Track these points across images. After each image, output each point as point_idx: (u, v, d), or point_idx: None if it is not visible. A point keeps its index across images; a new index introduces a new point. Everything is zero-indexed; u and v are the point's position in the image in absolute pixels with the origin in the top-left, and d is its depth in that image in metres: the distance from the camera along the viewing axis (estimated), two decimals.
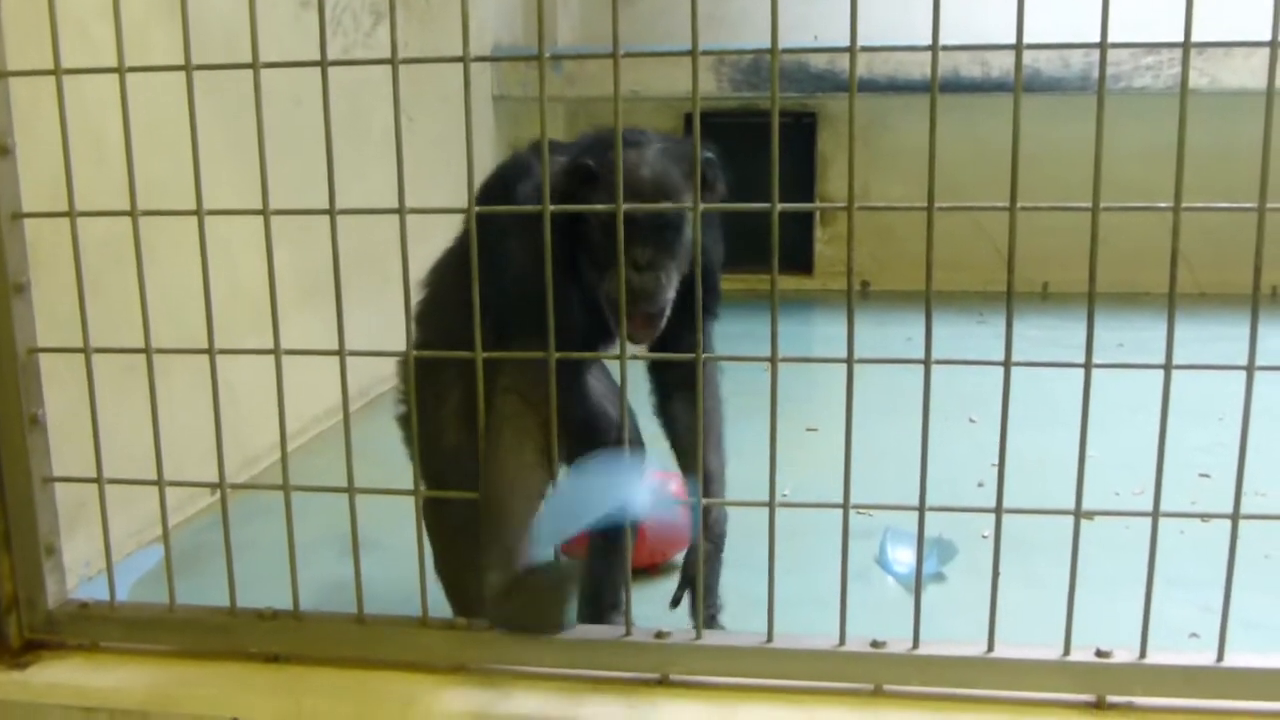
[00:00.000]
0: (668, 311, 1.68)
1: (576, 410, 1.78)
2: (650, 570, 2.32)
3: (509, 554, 1.56)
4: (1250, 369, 1.38)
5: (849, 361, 1.42)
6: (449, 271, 1.82)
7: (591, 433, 1.88)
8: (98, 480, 1.59)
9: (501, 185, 1.69)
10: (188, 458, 1.73)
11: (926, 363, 1.41)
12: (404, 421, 1.79)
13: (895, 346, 4.35)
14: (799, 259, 6.00)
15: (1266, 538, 2.36)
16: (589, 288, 1.70)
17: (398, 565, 1.66)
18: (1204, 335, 4.00)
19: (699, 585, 1.61)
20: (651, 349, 1.72)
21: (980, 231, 5.50)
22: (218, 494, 1.61)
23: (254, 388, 1.92)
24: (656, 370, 1.83)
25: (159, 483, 1.57)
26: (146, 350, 1.54)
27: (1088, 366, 1.40)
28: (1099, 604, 1.56)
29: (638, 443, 1.81)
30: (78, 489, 1.63)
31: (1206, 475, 2.93)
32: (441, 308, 1.80)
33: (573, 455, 1.74)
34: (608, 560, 2.01)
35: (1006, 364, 1.40)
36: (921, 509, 1.46)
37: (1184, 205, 1.36)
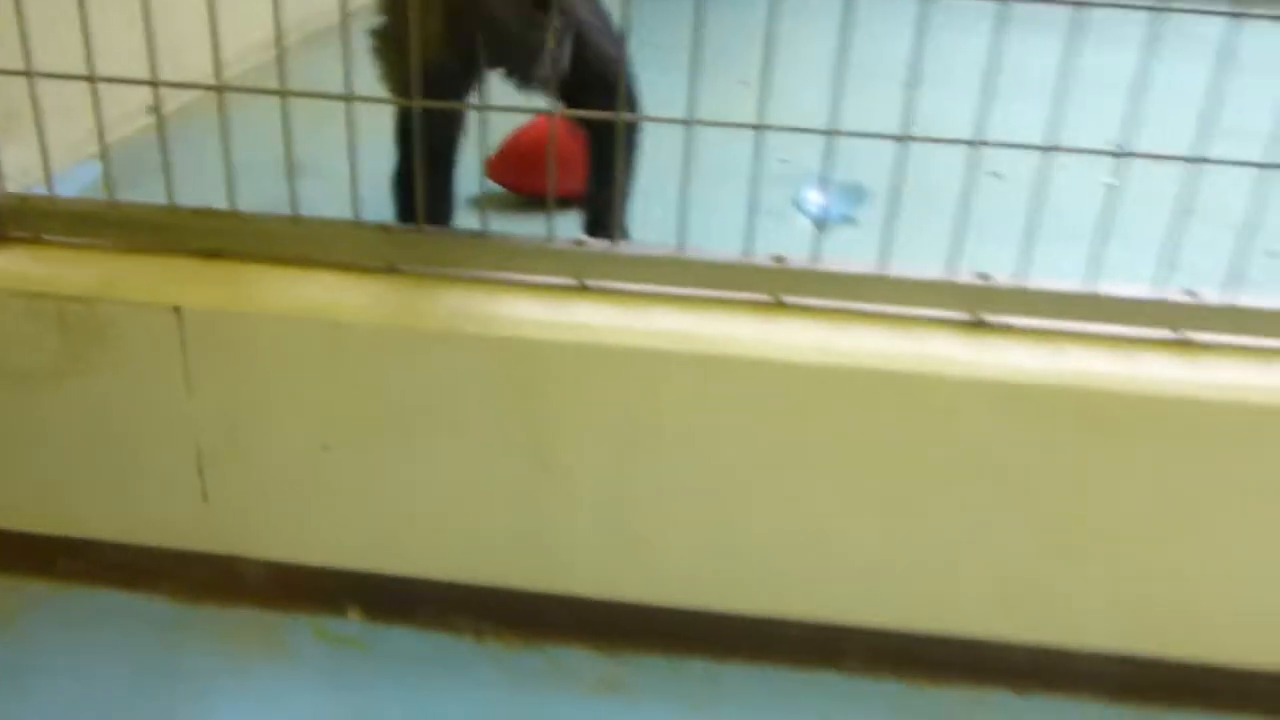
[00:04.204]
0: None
1: None
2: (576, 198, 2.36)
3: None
4: None
5: None
6: None
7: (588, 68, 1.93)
8: (27, 73, 1.57)
9: None
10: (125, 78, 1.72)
11: None
12: (379, 34, 1.89)
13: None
14: None
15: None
16: None
17: (336, 190, 1.69)
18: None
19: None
20: None
21: None
22: (154, 115, 1.61)
23: (190, 12, 1.90)
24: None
25: (90, 78, 1.57)
26: None
27: None
28: (992, 250, 1.64)
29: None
30: (10, 100, 1.61)
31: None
32: None
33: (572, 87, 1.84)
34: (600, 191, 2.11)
35: None
36: (831, 133, 1.51)
37: None
